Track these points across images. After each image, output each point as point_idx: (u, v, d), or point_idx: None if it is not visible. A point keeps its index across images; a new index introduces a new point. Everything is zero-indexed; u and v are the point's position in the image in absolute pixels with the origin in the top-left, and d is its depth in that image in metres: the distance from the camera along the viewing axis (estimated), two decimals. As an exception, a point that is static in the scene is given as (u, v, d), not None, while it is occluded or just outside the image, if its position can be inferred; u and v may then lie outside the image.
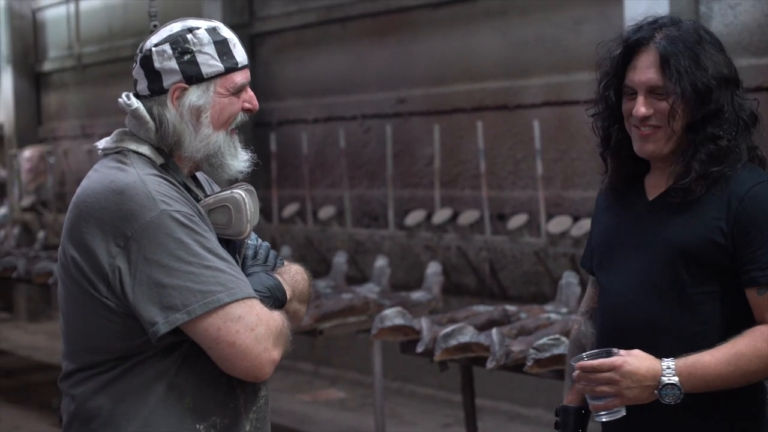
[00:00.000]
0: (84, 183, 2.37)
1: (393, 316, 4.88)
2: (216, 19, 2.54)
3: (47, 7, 12.07)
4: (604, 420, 2.45)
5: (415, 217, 7.44)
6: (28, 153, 11.61)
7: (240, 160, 2.48)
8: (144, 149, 2.39)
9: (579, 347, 2.75)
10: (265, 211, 8.63)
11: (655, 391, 2.38)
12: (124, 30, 10.72)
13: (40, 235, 10.01)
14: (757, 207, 2.44)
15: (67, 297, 2.36)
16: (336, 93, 8.44)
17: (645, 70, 2.49)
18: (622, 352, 2.40)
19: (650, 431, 2.54)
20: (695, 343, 2.44)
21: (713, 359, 2.39)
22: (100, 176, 2.34)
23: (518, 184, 6.90)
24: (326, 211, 8.11)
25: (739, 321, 2.47)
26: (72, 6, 11.41)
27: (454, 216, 7.22)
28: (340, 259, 6.93)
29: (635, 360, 2.38)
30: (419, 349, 4.67)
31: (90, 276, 2.27)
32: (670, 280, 2.49)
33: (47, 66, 12.12)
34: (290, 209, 8.39)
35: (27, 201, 11.56)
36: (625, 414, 2.42)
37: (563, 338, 4.28)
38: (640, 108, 2.48)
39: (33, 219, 11.54)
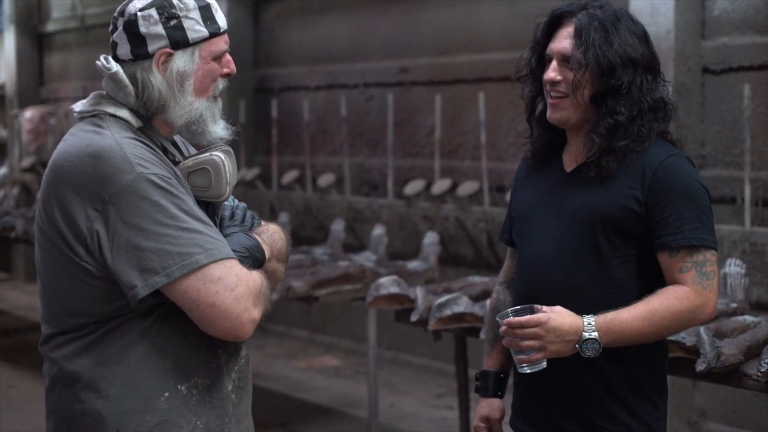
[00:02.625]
0: (60, 146, 2.36)
1: (388, 284, 4.87)
2: (220, -15, 2.51)
3: (51, -33, 12.03)
4: (527, 371, 2.64)
5: (414, 187, 7.43)
6: (29, 114, 11.59)
7: (220, 126, 2.47)
8: (122, 113, 2.38)
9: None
10: (265, 178, 8.63)
11: (576, 345, 2.59)
12: (128, -8, 10.66)
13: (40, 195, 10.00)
14: (669, 177, 2.65)
15: (46, 260, 2.35)
16: (339, 61, 8.41)
17: (562, 40, 2.72)
18: (545, 308, 2.60)
19: (557, 384, 2.73)
20: (610, 302, 2.64)
21: (629, 316, 2.60)
22: (76, 140, 2.33)
23: (518, 156, 6.83)
24: (326, 179, 8.10)
25: (651, 282, 2.70)
26: (76, -34, 11.38)
27: (454, 187, 7.21)
28: (337, 227, 6.92)
29: (558, 316, 2.58)
30: (413, 318, 4.66)
31: (69, 240, 2.27)
32: (587, 245, 2.69)
33: (50, 27, 12.07)
34: (290, 176, 8.38)
35: (27, 161, 11.56)
36: (545, 366, 2.62)
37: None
38: (550, 72, 2.72)
39: (33, 179, 11.53)
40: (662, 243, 2.65)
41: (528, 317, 2.58)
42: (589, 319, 2.58)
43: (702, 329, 3.59)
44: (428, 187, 7.40)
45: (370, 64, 8.11)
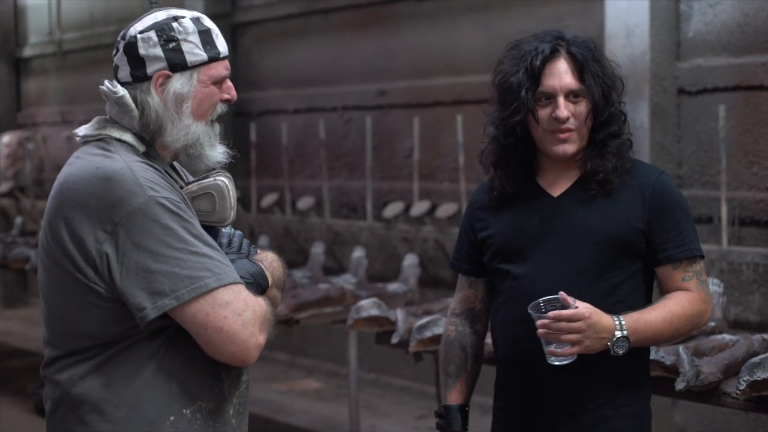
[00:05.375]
0: (67, 169, 2.36)
1: (369, 306, 4.88)
2: (198, 9, 2.56)
3: (29, -7, 12.02)
4: (556, 364, 2.65)
5: (393, 209, 7.45)
6: (6, 138, 11.55)
7: (218, 150, 2.49)
8: (127, 137, 2.39)
9: (460, 348, 2.97)
10: (244, 201, 8.63)
11: (608, 343, 2.63)
12: (105, 17, 10.67)
13: (18, 221, 9.95)
14: (666, 195, 2.78)
15: (51, 282, 2.35)
16: (317, 84, 8.44)
17: (563, 75, 2.73)
18: (578, 302, 2.61)
19: (546, 391, 2.78)
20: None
21: (652, 317, 2.70)
22: (84, 163, 2.34)
23: (497, 178, 6.88)
24: (305, 202, 8.11)
25: (647, 295, 2.84)
26: (54, -8, 11.37)
27: (432, 209, 7.23)
28: (317, 250, 6.93)
29: (596, 313, 2.62)
30: (394, 340, 4.68)
31: (77, 261, 2.27)
32: (595, 265, 2.75)
33: (28, 52, 12.05)
34: (269, 199, 8.39)
35: (5, 186, 11.51)
36: (575, 359, 2.64)
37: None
38: (564, 110, 2.72)
39: (11, 205, 11.49)
40: (668, 256, 2.77)
41: (574, 311, 2.59)
42: (620, 318, 2.64)
43: (681, 348, 3.61)
44: (407, 209, 7.42)
45: (349, 88, 8.14)
